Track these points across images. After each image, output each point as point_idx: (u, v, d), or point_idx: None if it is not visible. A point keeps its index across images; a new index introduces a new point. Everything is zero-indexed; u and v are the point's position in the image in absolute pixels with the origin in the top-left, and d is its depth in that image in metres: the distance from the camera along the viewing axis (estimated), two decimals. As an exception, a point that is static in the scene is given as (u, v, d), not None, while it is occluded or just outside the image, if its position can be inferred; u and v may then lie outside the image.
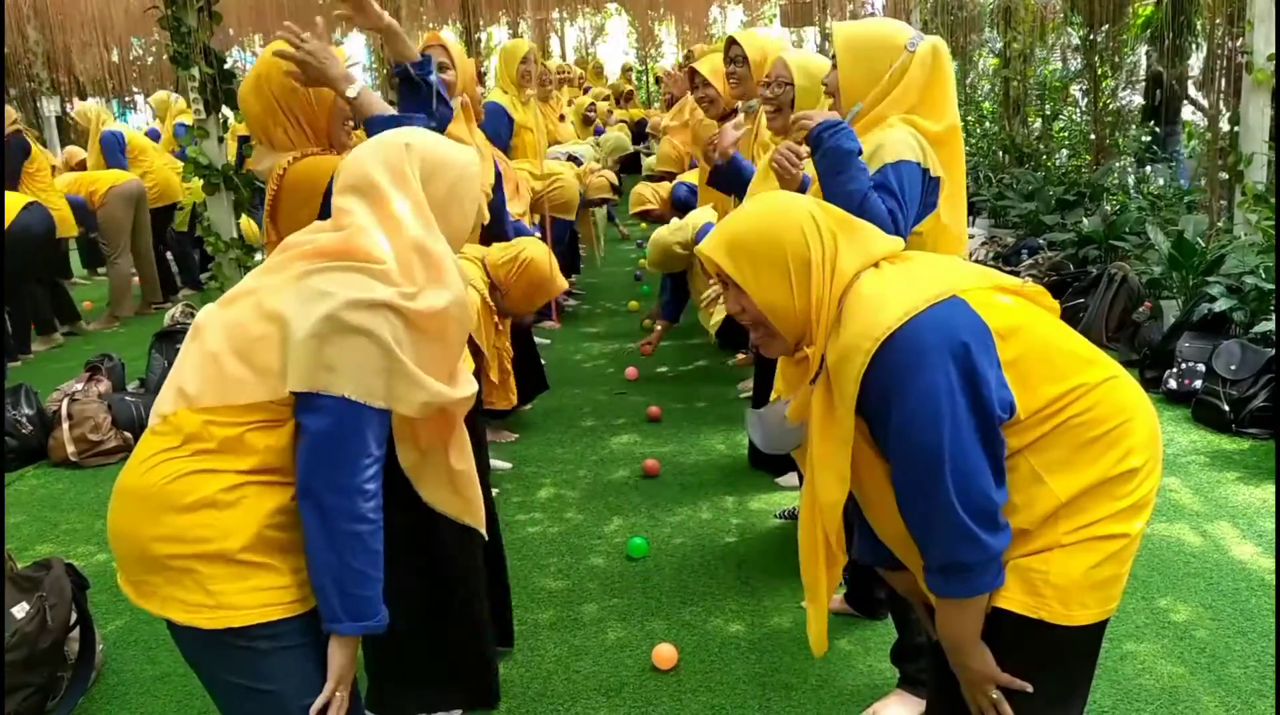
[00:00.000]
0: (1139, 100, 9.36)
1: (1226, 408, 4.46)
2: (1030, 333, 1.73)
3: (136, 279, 8.52)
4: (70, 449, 4.96)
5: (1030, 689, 1.73)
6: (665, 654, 2.96)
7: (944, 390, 1.63)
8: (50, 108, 13.39)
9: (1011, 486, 1.70)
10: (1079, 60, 9.41)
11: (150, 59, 14.82)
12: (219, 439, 1.68)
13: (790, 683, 2.85)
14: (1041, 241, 7.02)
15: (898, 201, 2.40)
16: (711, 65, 4.38)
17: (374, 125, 2.34)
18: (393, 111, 2.43)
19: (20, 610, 2.78)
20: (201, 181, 5.77)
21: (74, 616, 2.89)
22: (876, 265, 1.81)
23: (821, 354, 1.77)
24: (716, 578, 3.49)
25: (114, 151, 8.43)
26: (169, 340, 5.61)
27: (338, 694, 1.75)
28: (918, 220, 2.49)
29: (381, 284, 1.71)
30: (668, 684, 2.89)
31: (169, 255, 8.99)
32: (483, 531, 2.15)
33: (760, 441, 2.31)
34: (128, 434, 5.04)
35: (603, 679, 2.93)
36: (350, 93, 2.40)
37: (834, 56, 2.58)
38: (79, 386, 5.26)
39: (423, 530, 2.41)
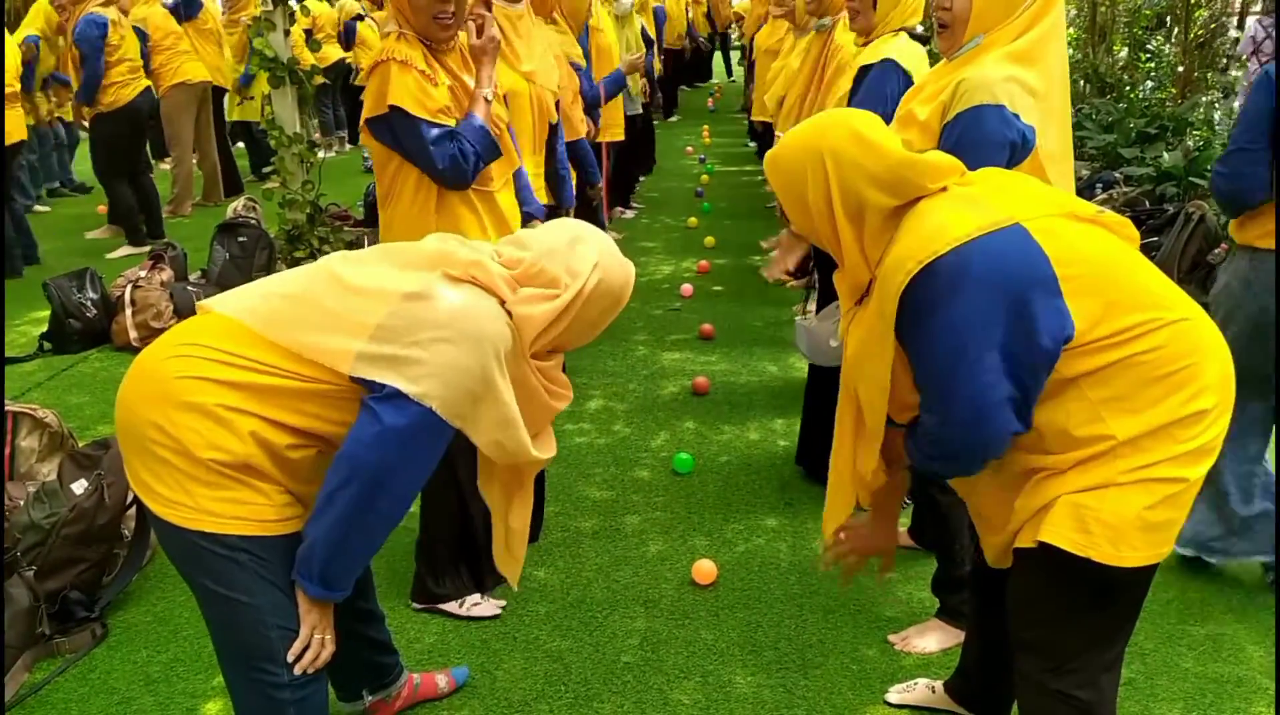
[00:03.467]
0: (1234, 33, 8.93)
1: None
2: (1098, 261, 1.67)
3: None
4: (133, 335, 5.06)
5: None
6: (705, 569, 2.98)
7: (978, 323, 1.60)
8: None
9: (1071, 417, 1.66)
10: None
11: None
12: (249, 373, 1.68)
13: (828, 605, 2.86)
14: (1118, 175, 6.78)
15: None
16: None
17: (470, 126, 2.53)
18: (489, 128, 2.57)
19: (79, 487, 2.86)
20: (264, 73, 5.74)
21: (131, 496, 2.96)
22: (944, 189, 1.75)
23: (862, 280, 1.78)
24: (760, 497, 3.49)
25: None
26: (231, 233, 5.66)
27: (315, 637, 1.76)
28: (1013, 164, 2.28)
29: (508, 331, 1.74)
30: (706, 599, 2.91)
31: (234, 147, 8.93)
32: (514, 585, 2.16)
33: (806, 351, 2.28)
34: (188, 323, 5.12)
35: (641, 589, 2.96)
36: (484, 92, 2.60)
37: None
38: (143, 273, 5.34)
39: (450, 448, 2.45)
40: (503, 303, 1.76)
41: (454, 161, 2.48)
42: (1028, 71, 2.26)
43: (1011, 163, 2.29)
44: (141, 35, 7.20)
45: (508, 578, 2.09)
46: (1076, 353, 1.63)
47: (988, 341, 1.60)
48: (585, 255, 1.82)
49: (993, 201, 1.70)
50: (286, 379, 1.68)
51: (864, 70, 3.02)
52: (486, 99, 2.57)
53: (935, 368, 1.66)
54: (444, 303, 1.69)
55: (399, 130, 2.48)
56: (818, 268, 2.75)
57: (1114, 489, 1.64)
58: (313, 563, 1.70)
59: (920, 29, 3.14)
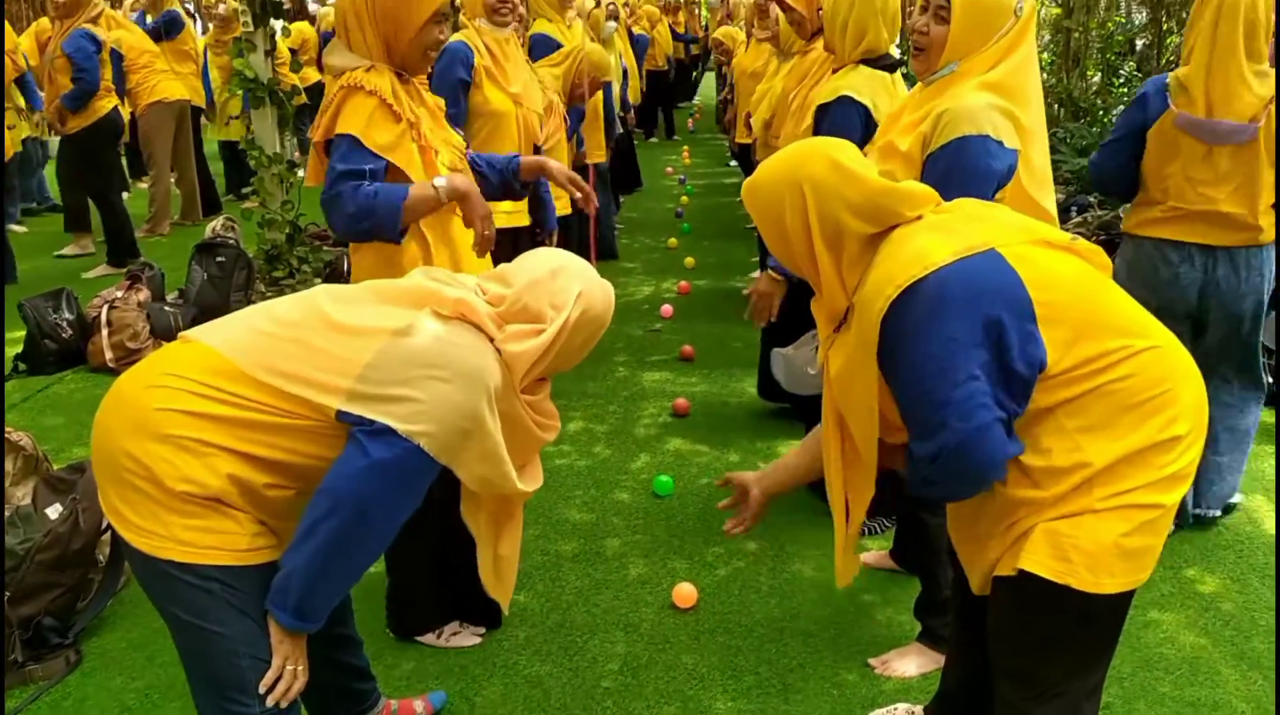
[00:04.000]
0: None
1: (1270, 380, 4.36)
2: (1071, 288, 1.69)
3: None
4: (108, 355, 5.02)
5: None
6: (685, 593, 2.97)
7: (960, 345, 1.61)
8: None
9: (1047, 446, 1.67)
10: (1144, 13, 9.10)
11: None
12: (229, 408, 1.67)
13: (808, 629, 2.85)
14: (1092, 199, 6.85)
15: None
16: None
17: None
18: (414, 212, 2.37)
19: (54, 511, 2.83)
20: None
21: (106, 520, 2.93)
22: (919, 217, 1.77)
23: (839, 307, 1.79)
24: (740, 520, 3.48)
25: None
26: (209, 253, 5.62)
27: (288, 668, 1.74)
28: (997, 189, 2.33)
29: (498, 367, 1.75)
30: (686, 623, 2.90)
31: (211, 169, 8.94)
32: (504, 610, 2.16)
33: (784, 380, 2.29)
34: (165, 343, 5.07)
35: (622, 613, 2.95)
36: (437, 181, 2.38)
37: (938, 7, 2.32)
38: (119, 294, 5.30)
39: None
40: (491, 340, 1.77)
41: (336, 200, 2.34)
42: (1006, 100, 2.29)
43: (997, 190, 2.32)
44: (116, 57, 7.19)
45: (499, 602, 2.08)
46: (1051, 383, 1.65)
47: (971, 363, 1.60)
48: (567, 287, 1.83)
49: (968, 228, 1.72)
50: (267, 414, 1.68)
51: (822, 108, 3.03)
52: (435, 186, 2.37)
53: (921, 393, 1.65)
54: (435, 340, 1.70)
55: (334, 150, 2.38)
56: (790, 298, 2.76)
57: (1091, 516, 1.65)
58: (288, 593, 1.69)
59: (897, 52, 3.16)
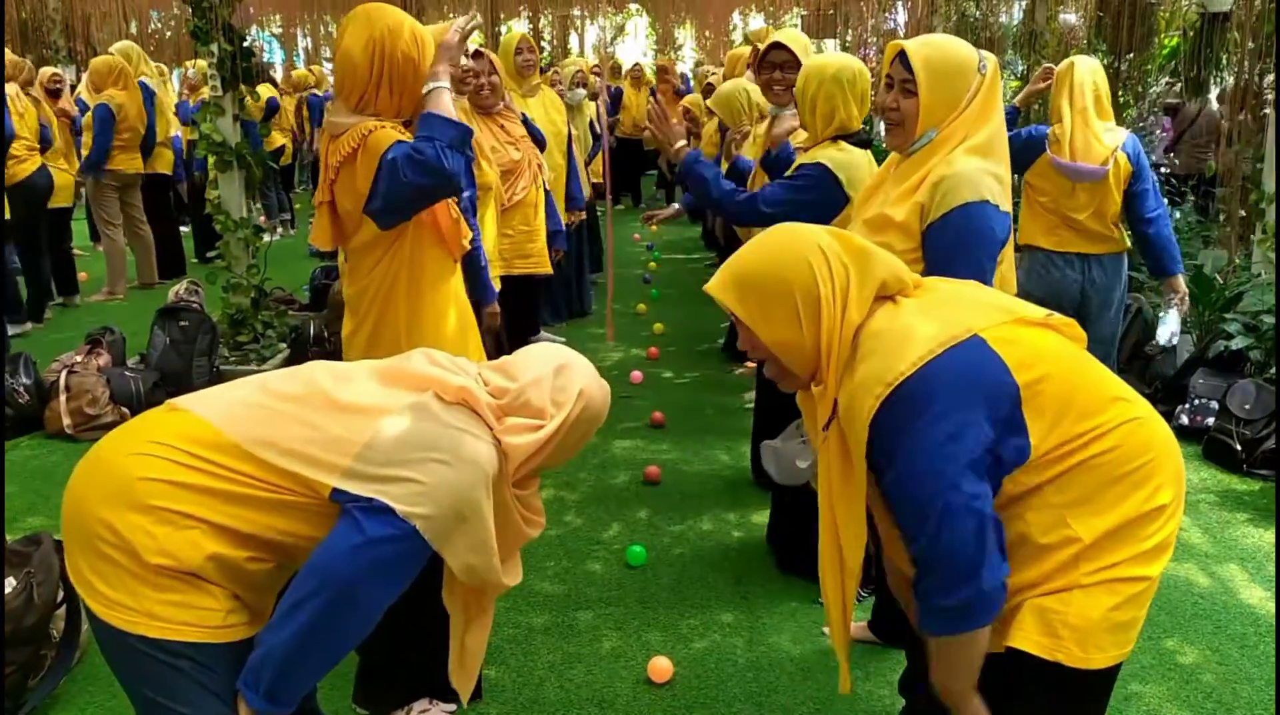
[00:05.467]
0: (1160, 132, 9.30)
1: (1239, 447, 4.41)
2: (1052, 367, 1.69)
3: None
4: (66, 421, 4.91)
5: None
6: (660, 667, 2.91)
7: (949, 442, 1.59)
8: (66, 75, 13.33)
9: (1035, 525, 1.66)
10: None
11: (169, 33, 14.76)
12: (216, 480, 1.62)
13: (787, 705, 2.79)
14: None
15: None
16: (798, 43, 3.78)
17: (425, 120, 2.40)
18: (451, 115, 2.42)
19: (7, 585, 2.72)
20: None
21: (61, 595, 2.83)
22: (894, 299, 1.76)
23: (834, 397, 1.73)
24: (715, 591, 3.43)
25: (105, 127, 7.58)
26: (172, 317, 5.54)
27: None
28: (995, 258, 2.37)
29: (496, 456, 1.73)
30: (662, 698, 2.83)
31: (182, 228, 8.93)
32: (464, 702, 2.11)
33: (775, 474, 2.27)
34: (125, 409, 4.98)
35: (596, 689, 2.87)
36: (427, 86, 2.47)
37: (903, 82, 2.36)
38: (78, 358, 5.20)
39: None
40: (490, 429, 1.75)
41: (408, 160, 2.34)
42: (993, 163, 2.33)
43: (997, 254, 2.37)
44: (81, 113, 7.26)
45: (459, 693, 2.02)
46: (1038, 462, 1.64)
47: (962, 459, 1.58)
48: (569, 385, 1.83)
49: (948, 313, 1.71)
50: (256, 489, 1.63)
51: (801, 166, 3.08)
52: (434, 86, 2.44)
53: (913, 492, 1.62)
54: (437, 424, 1.68)
55: (387, 161, 2.36)
56: (758, 371, 2.79)
57: (1079, 591, 1.63)
58: (263, 674, 1.62)
59: (863, 131, 3.20)
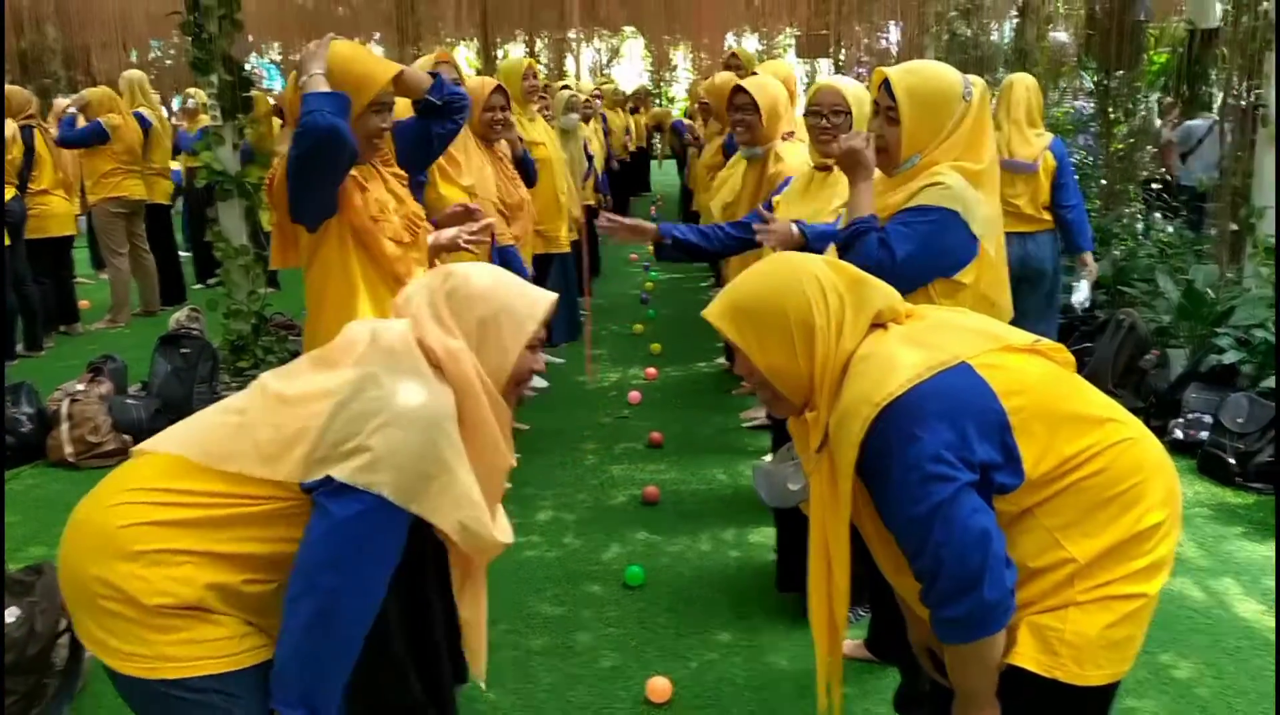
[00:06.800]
0: (1151, 148, 9.35)
1: (1233, 461, 4.42)
2: (1040, 393, 1.71)
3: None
4: (68, 450, 4.92)
5: None
6: (659, 687, 2.92)
7: (941, 458, 1.61)
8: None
9: (1027, 548, 1.68)
10: (1092, 104, 9.41)
11: (169, 62, 14.87)
12: (195, 509, 1.63)
13: (785, 723, 2.80)
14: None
15: (910, 237, 2.36)
16: (765, 92, 3.95)
17: (303, 100, 2.55)
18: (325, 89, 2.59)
19: (11, 614, 2.74)
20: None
21: (63, 624, 2.84)
22: (884, 327, 1.79)
23: (826, 422, 1.75)
24: (714, 611, 3.44)
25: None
26: (173, 344, 5.57)
27: None
28: (955, 271, 2.43)
29: (444, 386, 1.70)
30: (661, 719, 2.84)
31: (182, 254, 8.98)
32: (480, 681, 2.10)
33: (765, 496, 2.28)
34: (127, 437, 5.00)
35: (596, 709, 2.88)
36: (301, 81, 2.62)
37: (887, 109, 2.42)
38: (80, 387, 5.22)
39: None
40: (438, 367, 1.73)
41: (295, 138, 2.50)
42: (986, 197, 2.42)
43: (961, 266, 2.40)
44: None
45: (472, 670, 2.03)
46: (1029, 486, 1.66)
47: (957, 474, 1.60)
48: (424, 283, 1.84)
49: (936, 340, 1.74)
50: (234, 507, 1.64)
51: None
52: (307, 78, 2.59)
53: (913, 512, 1.63)
54: (382, 391, 1.65)
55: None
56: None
57: (1075, 609, 1.65)
58: (289, 685, 1.62)
59: None
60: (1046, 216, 5.11)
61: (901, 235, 2.35)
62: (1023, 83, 5.18)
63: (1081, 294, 5.37)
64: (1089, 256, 5.28)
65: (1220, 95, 7.29)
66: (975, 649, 1.67)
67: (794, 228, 2.80)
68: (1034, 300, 5.05)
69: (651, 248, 3.23)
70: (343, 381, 1.68)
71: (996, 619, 1.64)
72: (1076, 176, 9.36)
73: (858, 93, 3.17)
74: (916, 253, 2.35)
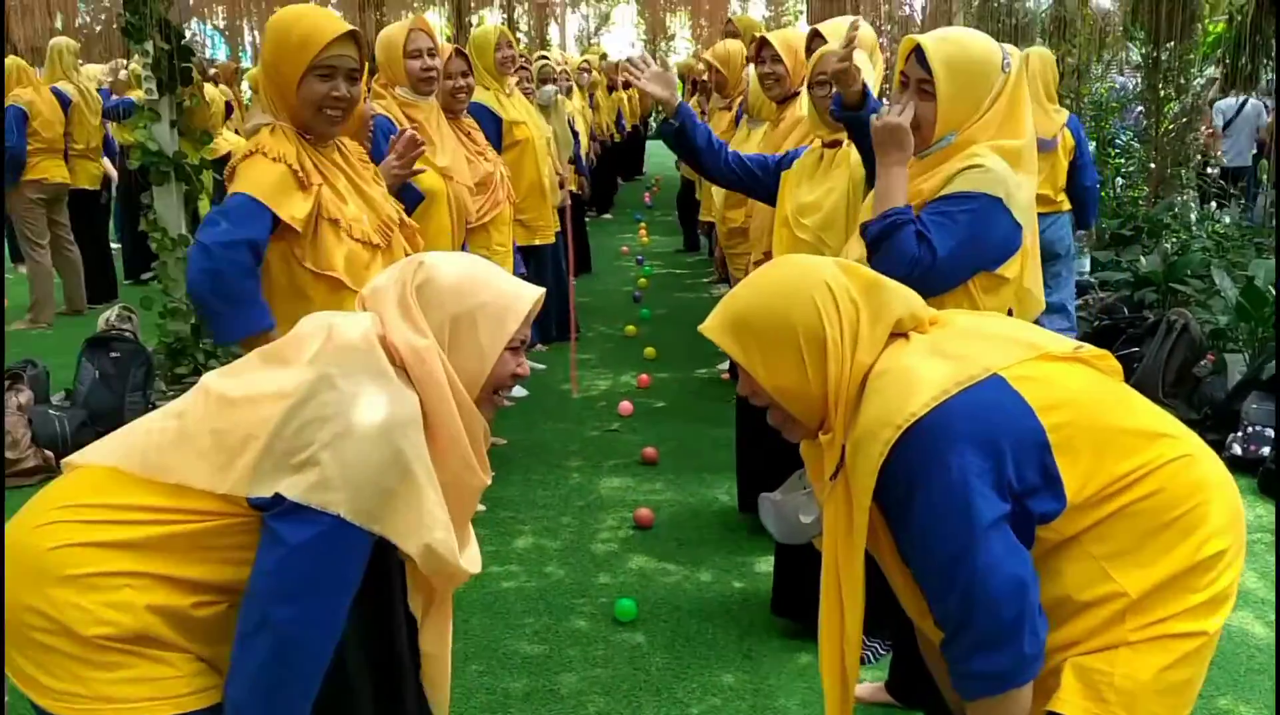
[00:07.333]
0: (1206, 129, 9.40)
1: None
2: (1083, 406, 1.70)
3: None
4: (-19, 467, 4.90)
5: None
6: (654, 737, 2.91)
7: (971, 487, 1.60)
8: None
9: (1072, 579, 1.67)
10: (1139, 79, 9.45)
11: (99, 28, 14.83)
12: (133, 527, 1.62)
13: (797, 777, 2.79)
14: (1093, 280, 7.01)
15: (951, 231, 2.36)
16: (784, 38, 4.26)
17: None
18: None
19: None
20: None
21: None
22: (905, 336, 1.78)
23: (842, 445, 1.74)
24: (715, 650, 3.43)
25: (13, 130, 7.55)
26: (102, 347, 5.54)
27: None
28: (998, 264, 2.44)
29: (409, 391, 1.68)
30: (656, 772, 2.83)
31: (113, 248, 8.96)
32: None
33: (774, 531, 2.28)
34: (49, 453, 4.98)
35: (581, 763, 2.87)
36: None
37: (920, 82, 2.40)
38: (-4, 395, 5.20)
39: None
40: (403, 369, 1.72)
41: (216, 273, 2.57)
42: (1025, 177, 2.43)
43: (1004, 259, 2.40)
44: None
45: (433, 708, 2.02)
46: (1074, 510, 1.65)
47: (991, 508, 1.59)
48: (394, 273, 1.83)
49: (964, 349, 1.72)
50: (181, 523, 1.63)
51: None
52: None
53: (941, 551, 1.63)
54: (338, 395, 1.63)
55: (227, 202, 2.62)
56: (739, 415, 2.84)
57: (1126, 649, 1.64)
58: None
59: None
60: (1063, 198, 5.69)
61: (941, 227, 2.33)
62: (1039, 55, 5.71)
63: (1083, 265, 6.32)
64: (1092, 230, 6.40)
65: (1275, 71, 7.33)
66: (1001, 702, 1.67)
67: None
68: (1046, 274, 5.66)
69: (659, 122, 3.35)
70: (295, 382, 1.66)
71: (1027, 673, 1.64)
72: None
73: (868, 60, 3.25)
74: (960, 247, 2.35)
